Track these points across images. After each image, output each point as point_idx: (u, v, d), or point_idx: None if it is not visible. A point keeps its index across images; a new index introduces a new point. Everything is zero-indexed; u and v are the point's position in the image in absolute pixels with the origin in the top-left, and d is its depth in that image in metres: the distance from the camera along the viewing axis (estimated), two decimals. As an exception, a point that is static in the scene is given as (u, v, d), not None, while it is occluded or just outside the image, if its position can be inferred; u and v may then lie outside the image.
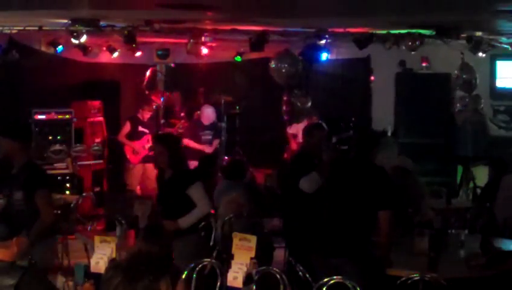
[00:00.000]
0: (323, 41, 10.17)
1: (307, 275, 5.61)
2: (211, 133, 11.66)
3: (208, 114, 11.67)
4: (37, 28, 9.46)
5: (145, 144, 11.47)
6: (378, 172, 6.00)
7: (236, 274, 4.82)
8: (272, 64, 10.19)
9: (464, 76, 10.23)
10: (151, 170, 11.59)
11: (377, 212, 5.77)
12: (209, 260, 5.87)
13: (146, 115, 11.50)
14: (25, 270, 4.26)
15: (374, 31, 9.74)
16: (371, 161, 6.06)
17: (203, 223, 7.48)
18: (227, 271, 4.96)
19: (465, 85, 10.33)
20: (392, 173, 8.41)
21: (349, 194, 5.94)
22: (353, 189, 5.93)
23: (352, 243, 5.85)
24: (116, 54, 11.65)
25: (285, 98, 12.30)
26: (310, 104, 12.05)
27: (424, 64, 12.34)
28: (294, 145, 11.54)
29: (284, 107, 12.31)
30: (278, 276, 5.35)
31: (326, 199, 6.15)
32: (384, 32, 9.77)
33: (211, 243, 7.51)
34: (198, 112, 11.98)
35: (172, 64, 13.02)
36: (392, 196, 5.89)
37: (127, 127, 11.48)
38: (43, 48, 11.47)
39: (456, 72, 10.45)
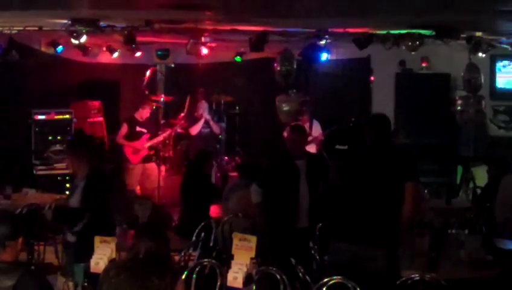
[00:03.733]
0: (323, 42, 10.16)
1: (306, 277, 5.61)
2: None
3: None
4: (37, 28, 9.46)
5: (144, 143, 11.47)
6: (399, 148, 6.44)
7: (236, 274, 4.83)
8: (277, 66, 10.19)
9: (469, 76, 10.21)
10: (151, 170, 11.67)
11: (403, 186, 5.91)
12: (209, 260, 5.88)
13: (144, 114, 11.49)
14: (23, 271, 4.25)
15: (374, 31, 9.74)
16: (390, 140, 6.31)
17: (202, 224, 7.51)
18: (227, 271, 4.96)
19: (469, 85, 10.31)
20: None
21: (380, 177, 6.01)
22: (382, 171, 6.02)
23: (385, 228, 5.90)
24: (116, 54, 11.65)
25: (301, 100, 12.21)
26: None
27: (424, 65, 12.34)
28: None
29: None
30: (278, 276, 5.35)
31: (358, 185, 6.11)
32: (384, 32, 9.76)
33: (211, 243, 7.52)
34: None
35: (172, 64, 13.03)
36: (415, 167, 6.14)
37: (124, 129, 11.47)
38: (43, 48, 11.47)
39: (462, 73, 10.44)
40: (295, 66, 10.21)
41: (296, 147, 7.12)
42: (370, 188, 5.98)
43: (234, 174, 11.53)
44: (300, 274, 5.68)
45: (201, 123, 12.06)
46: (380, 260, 5.79)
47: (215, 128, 12.31)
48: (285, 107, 11.41)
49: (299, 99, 11.77)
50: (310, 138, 10.39)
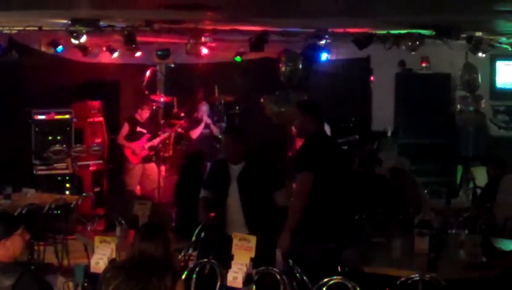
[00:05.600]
0: (323, 42, 10.17)
1: (304, 277, 5.60)
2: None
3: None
4: (37, 28, 9.46)
5: (144, 144, 11.49)
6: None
7: (236, 274, 4.82)
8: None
9: (467, 76, 10.21)
10: (151, 170, 11.69)
11: None
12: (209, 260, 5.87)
13: (144, 115, 11.51)
14: (22, 271, 4.24)
15: (374, 31, 9.74)
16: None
17: (202, 224, 7.49)
18: (227, 271, 4.96)
19: (468, 85, 10.31)
20: (389, 174, 8.44)
21: (341, 168, 6.23)
22: (342, 163, 6.29)
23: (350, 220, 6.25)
24: (116, 54, 11.64)
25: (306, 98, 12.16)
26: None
27: (424, 65, 12.34)
28: (299, 144, 11.50)
29: None
30: (278, 276, 5.34)
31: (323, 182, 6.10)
32: (384, 32, 9.77)
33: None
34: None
35: (172, 64, 13.03)
36: None
37: (125, 129, 11.51)
38: (43, 48, 11.47)
39: (459, 72, 10.44)
40: (300, 66, 10.20)
41: (229, 150, 6.50)
42: (338, 183, 6.12)
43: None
44: (298, 275, 5.67)
45: (201, 126, 12.05)
46: (351, 251, 5.97)
47: (215, 132, 12.29)
48: (271, 108, 11.26)
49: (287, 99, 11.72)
50: None
